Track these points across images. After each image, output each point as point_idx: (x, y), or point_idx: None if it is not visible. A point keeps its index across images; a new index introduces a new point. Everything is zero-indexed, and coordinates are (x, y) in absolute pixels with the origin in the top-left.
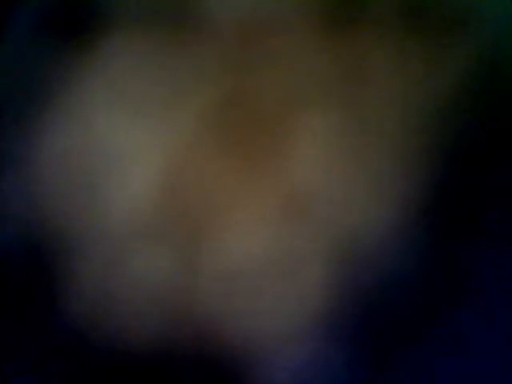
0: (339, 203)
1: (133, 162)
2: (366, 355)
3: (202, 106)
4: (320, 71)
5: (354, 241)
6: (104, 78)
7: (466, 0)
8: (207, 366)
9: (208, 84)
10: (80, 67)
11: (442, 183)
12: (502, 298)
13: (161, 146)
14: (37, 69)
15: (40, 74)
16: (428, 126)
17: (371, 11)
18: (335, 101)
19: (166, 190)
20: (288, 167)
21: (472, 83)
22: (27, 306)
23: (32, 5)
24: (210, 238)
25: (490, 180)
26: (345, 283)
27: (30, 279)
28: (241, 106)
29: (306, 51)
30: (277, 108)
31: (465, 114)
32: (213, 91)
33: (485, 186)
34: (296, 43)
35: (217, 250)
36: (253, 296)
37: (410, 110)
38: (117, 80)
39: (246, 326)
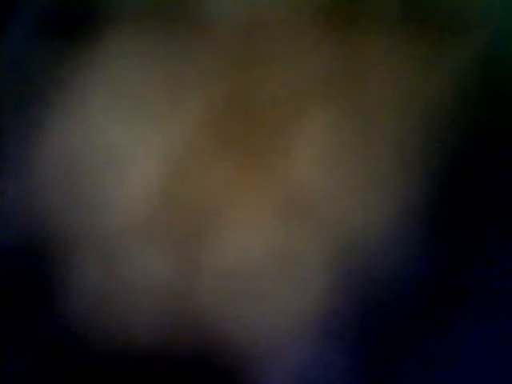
0: (339, 203)
1: (133, 161)
2: (367, 355)
3: (202, 105)
4: (320, 71)
5: (355, 241)
6: (104, 77)
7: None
8: (207, 366)
9: (208, 83)
10: (79, 67)
11: (442, 183)
12: (503, 300)
13: (160, 146)
14: (36, 68)
15: (40, 73)
16: (429, 126)
17: (371, 11)
18: (335, 100)
19: (166, 189)
20: (288, 167)
21: (473, 83)
22: (27, 306)
23: (32, 5)
24: (210, 238)
25: (491, 180)
26: (345, 283)
27: (30, 279)
28: (241, 106)
29: (307, 50)
30: (277, 107)
31: (466, 114)
32: (213, 90)
33: (486, 187)
34: (296, 42)
35: (217, 250)
36: (253, 296)
37: (411, 110)
38: (117, 79)
39: (246, 325)
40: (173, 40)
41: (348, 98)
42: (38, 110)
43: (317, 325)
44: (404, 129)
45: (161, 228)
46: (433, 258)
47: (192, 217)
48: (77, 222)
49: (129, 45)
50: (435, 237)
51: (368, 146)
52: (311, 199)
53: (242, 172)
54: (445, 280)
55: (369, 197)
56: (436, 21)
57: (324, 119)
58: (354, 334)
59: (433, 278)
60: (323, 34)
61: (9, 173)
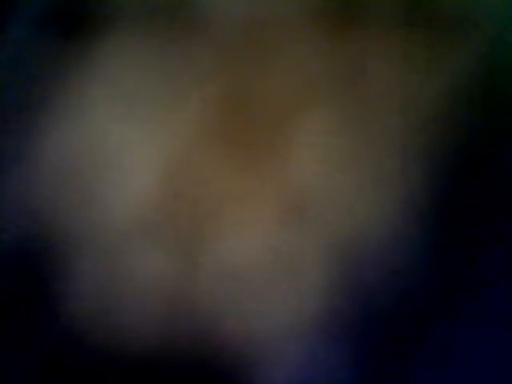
0: (339, 203)
1: (132, 161)
2: (366, 355)
3: (202, 105)
4: (320, 71)
5: (354, 241)
6: (103, 77)
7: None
8: (207, 366)
9: (207, 83)
10: (79, 67)
11: (442, 184)
12: (504, 300)
13: (160, 146)
14: (36, 68)
15: (39, 73)
16: (429, 127)
17: (372, 11)
18: (335, 101)
19: (166, 189)
20: (288, 167)
21: (474, 83)
22: (26, 305)
23: (31, 5)
24: (209, 238)
25: (491, 180)
26: (345, 283)
27: (29, 279)
28: (240, 106)
29: (306, 51)
30: (276, 108)
31: (467, 114)
32: (212, 91)
33: (486, 186)
34: (296, 43)
35: (217, 250)
36: (253, 296)
37: (411, 111)
38: (116, 79)
39: (245, 325)
40: (172, 39)
41: (348, 98)
42: (38, 110)
43: (316, 325)
44: (405, 129)
45: (161, 228)
46: (433, 257)
47: (192, 217)
48: (76, 222)
49: (128, 44)
50: (436, 237)
51: (368, 146)
52: (311, 199)
53: (242, 172)
54: (446, 280)
55: (369, 197)
56: (437, 21)
57: (324, 119)
58: (354, 333)
59: (433, 278)
60: (324, 33)
61: (8, 173)
